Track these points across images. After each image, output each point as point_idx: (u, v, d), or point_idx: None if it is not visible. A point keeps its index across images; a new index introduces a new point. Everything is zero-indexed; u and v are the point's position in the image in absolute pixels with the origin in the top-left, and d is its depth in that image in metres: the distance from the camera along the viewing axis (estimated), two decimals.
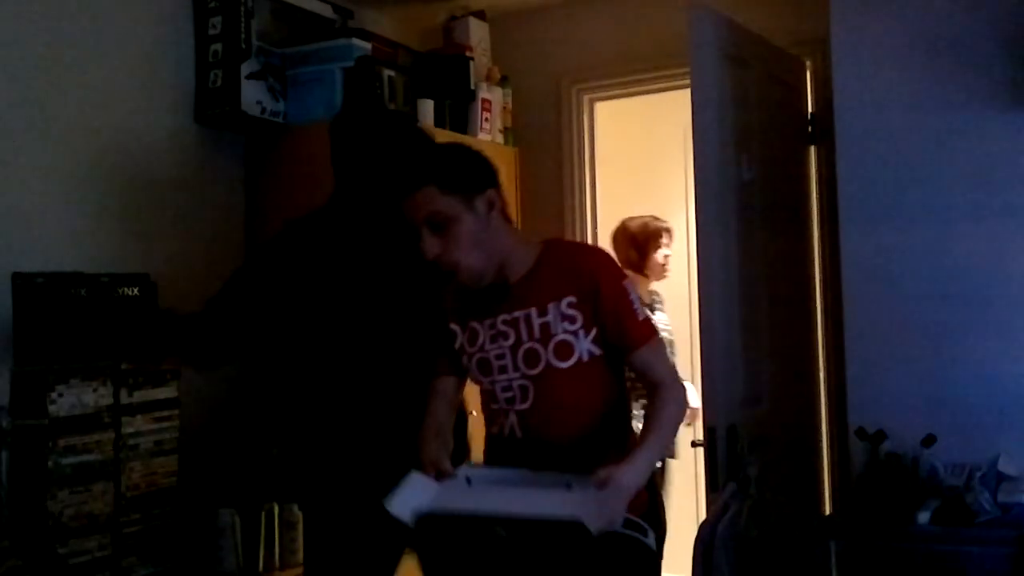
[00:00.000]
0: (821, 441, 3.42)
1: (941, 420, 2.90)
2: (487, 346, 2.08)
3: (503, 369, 2.07)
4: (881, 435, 2.92)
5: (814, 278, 3.48)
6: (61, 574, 2.52)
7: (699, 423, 3.03)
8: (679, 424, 2.09)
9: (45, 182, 2.94)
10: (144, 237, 3.18)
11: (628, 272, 2.95)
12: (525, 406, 2.05)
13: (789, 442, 3.22)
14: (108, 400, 2.74)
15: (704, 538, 2.68)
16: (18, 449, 2.64)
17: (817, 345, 3.45)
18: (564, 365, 2.01)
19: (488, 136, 3.77)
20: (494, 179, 2.05)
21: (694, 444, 3.07)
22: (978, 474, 2.80)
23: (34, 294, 2.75)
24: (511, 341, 2.05)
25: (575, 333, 2.00)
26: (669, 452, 3.55)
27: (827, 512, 3.40)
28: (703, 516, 2.80)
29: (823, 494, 3.40)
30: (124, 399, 2.77)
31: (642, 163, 4.89)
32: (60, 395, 2.64)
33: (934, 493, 2.81)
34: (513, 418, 2.07)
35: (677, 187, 4.64)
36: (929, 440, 2.85)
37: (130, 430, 2.78)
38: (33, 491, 2.60)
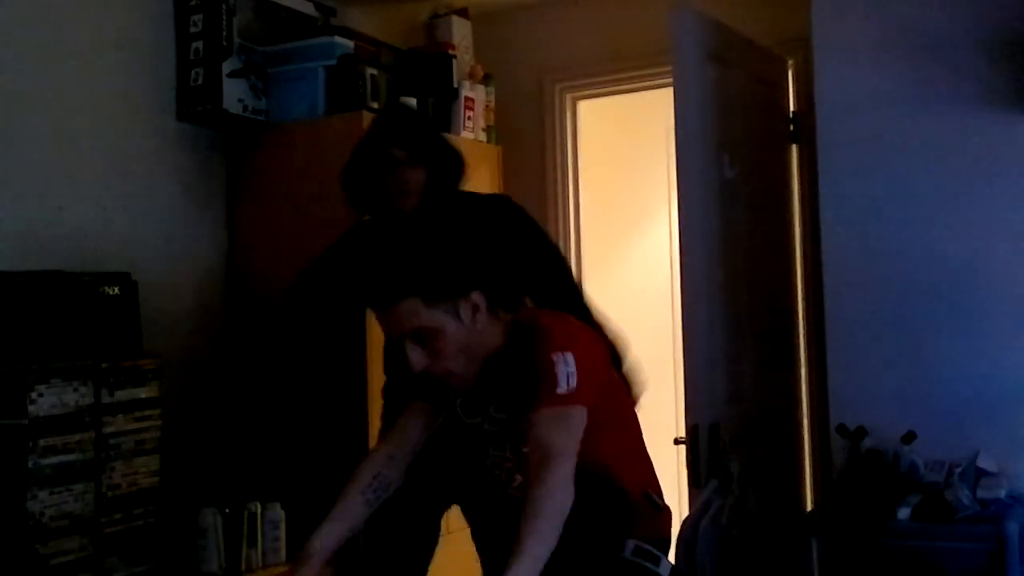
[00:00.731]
0: (803, 438, 3.44)
1: (921, 417, 2.92)
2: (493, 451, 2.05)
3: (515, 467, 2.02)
4: (862, 432, 2.94)
5: (796, 276, 3.50)
6: (42, 574, 2.51)
7: (681, 420, 3.03)
8: (564, 513, 1.76)
9: (24, 179, 2.92)
10: (126, 236, 3.17)
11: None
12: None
13: (771, 439, 3.24)
14: (89, 400, 2.72)
15: (686, 535, 2.68)
16: None
17: (799, 343, 3.47)
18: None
19: (471, 134, 3.76)
20: (478, 277, 1.91)
21: (676, 441, 3.08)
22: (957, 470, 2.82)
23: (13, 292, 2.73)
24: (506, 441, 2.01)
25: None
26: None
27: (808, 508, 3.42)
28: (685, 513, 2.80)
29: (804, 491, 3.42)
30: (105, 399, 2.76)
31: (625, 162, 4.90)
32: (40, 395, 2.62)
33: (914, 489, 2.83)
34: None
35: (660, 185, 4.65)
36: (909, 437, 2.87)
37: (111, 430, 2.76)
38: (13, 491, 2.59)
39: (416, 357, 1.87)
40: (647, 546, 1.95)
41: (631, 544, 1.94)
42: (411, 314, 1.85)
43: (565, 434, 1.80)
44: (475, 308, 1.88)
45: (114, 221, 3.15)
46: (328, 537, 2.01)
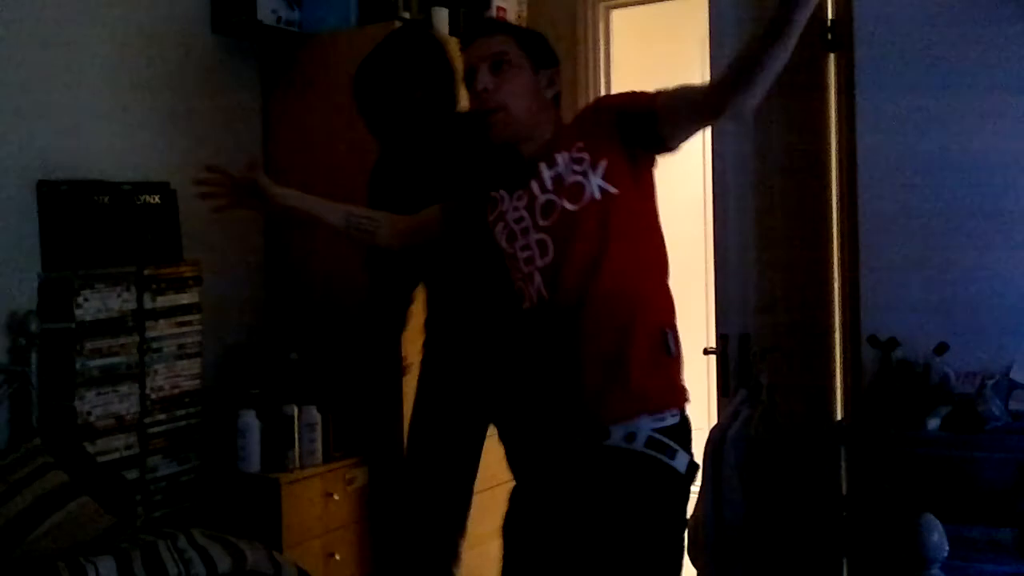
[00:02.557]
0: (834, 348, 3.44)
1: (955, 329, 2.91)
2: (508, 213, 2.03)
3: (524, 231, 1.98)
4: (893, 342, 2.94)
5: (830, 187, 3.46)
6: (90, 470, 2.62)
7: (711, 331, 3.05)
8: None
9: (66, 93, 2.96)
10: (164, 146, 3.21)
11: None
12: (547, 260, 1.95)
13: (801, 349, 3.25)
14: (132, 305, 2.81)
15: (714, 443, 2.72)
16: (46, 352, 2.72)
17: (832, 252, 3.45)
18: (575, 207, 1.92)
19: None
20: (558, 65, 2.11)
21: (706, 351, 3.10)
22: (990, 382, 2.81)
23: (59, 201, 2.80)
24: (525, 201, 1.99)
25: (583, 173, 1.92)
26: None
27: (838, 419, 3.44)
28: (714, 422, 2.84)
29: (834, 401, 3.44)
30: (148, 304, 2.84)
31: (659, 72, 4.80)
32: (86, 300, 2.71)
33: (945, 400, 2.82)
34: (538, 279, 1.96)
35: None
36: (941, 348, 2.86)
37: (154, 334, 2.85)
38: (62, 392, 2.69)
39: (485, 78, 1.99)
40: (658, 435, 1.86)
41: (644, 431, 1.85)
42: (503, 44, 2.02)
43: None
44: (551, 80, 2.06)
45: (151, 132, 3.19)
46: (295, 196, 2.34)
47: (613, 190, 1.92)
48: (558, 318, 1.94)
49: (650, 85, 4.92)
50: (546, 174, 1.97)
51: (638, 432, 1.87)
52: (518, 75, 2.00)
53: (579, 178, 1.93)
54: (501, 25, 2.13)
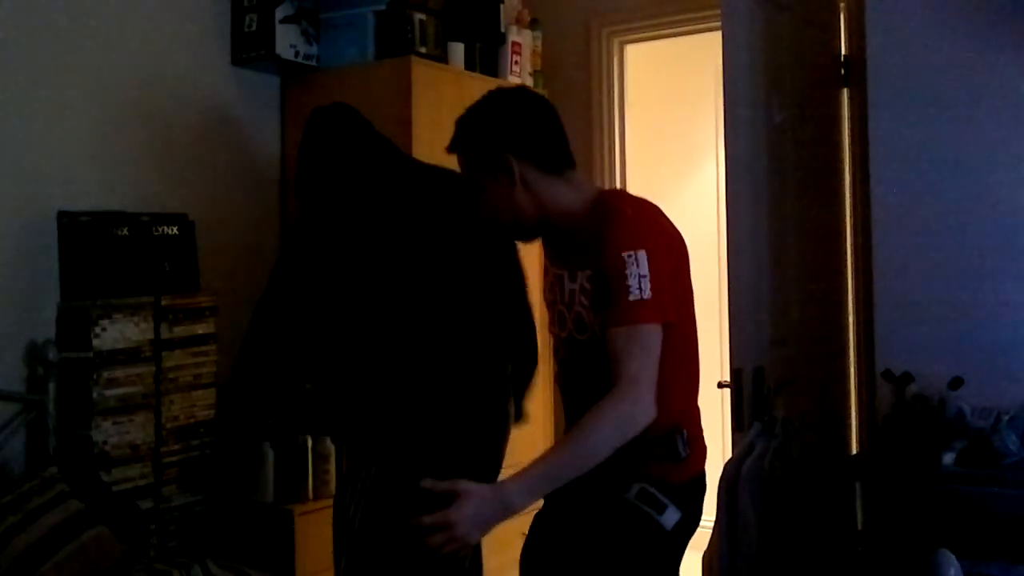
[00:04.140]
0: (849, 383, 3.44)
1: (970, 364, 2.90)
2: (548, 293, 2.08)
3: (552, 320, 2.05)
4: (908, 377, 2.93)
5: (844, 221, 3.47)
6: (105, 500, 2.62)
7: (726, 364, 3.05)
8: (608, 449, 1.75)
9: (88, 125, 3.01)
10: (182, 177, 3.25)
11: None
12: (563, 358, 2.03)
13: (816, 384, 3.24)
14: (149, 335, 2.82)
15: (729, 478, 2.71)
16: (64, 381, 2.74)
17: (846, 287, 3.45)
18: (581, 338, 1.93)
19: (518, 79, 3.78)
20: (509, 143, 1.93)
21: (720, 385, 3.10)
22: (1005, 417, 2.79)
23: (79, 232, 2.83)
24: (556, 296, 2.01)
25: (587, 308, 1.90)
26: None
27: (853, 453, 3.43)
28: (728, 455, 2.83)
29: (849, 436, 3.43)
30: (164, 334, 2.86)
31: (673, 106, 4.87)
32: (104, 329, 2.73)
33: (960, 435, 2.81)
34: (557, 366, 2.08)
35: (708, 130, 4.62)
36: (956, 383, 2.85)
37: (170, 364, 2.87)
38: (78, 421, 2.71)
39: (479, 202, 2.01)
40: (653, 490, 1.87)
41: (636, 487, 1.85)
42: (463, 167, 2.02)
43: (631, 356, 1.77)
44: (508, 171, 1.92)
45: (170, 164, 3.23)
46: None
47: None
48: (565, 402, 2.06)
49: (664, 118, 4.97)
50: (567, 286, 1.96)
51: (631, 485, 1.89)
52: (484, 193, 1.97)
53: (583, 311, 1.91)
54: (453, 143, 2.00)
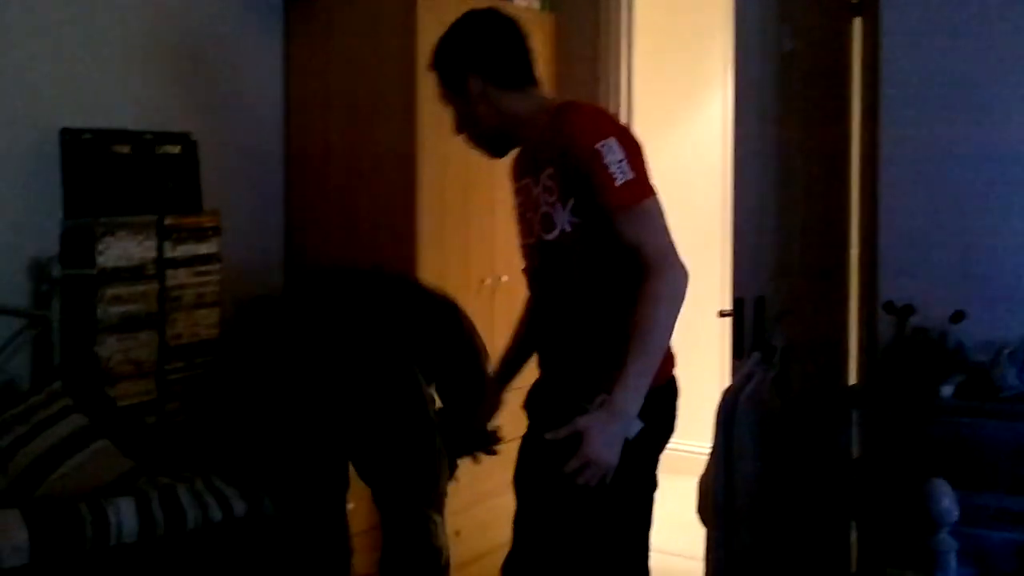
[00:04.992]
0: (849, 314, 3.44)
1: (972, 298, 2.89)
2: (517, 208, 2.17)
3: (521, 231, 2.15)
4: (909, 309, 2.93)
5: (851, 152, 3.44)
6: (111, 414, 2.66)
7: (727, 293, 3.06)
8: (672, 323, 1.87)
9: (91, 43, 2.97)
10: (186, 97, 3.22)
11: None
12: (533, 266, 2.12)
13: (817, 314, 3.25)
14: (152, 253, 2.83)
15: (727, 406, 2.74)
16: (68, 298, 2.75)
17: (850, 218, 3.44)
18: (549, 237, 2.01)
19: (524, 2, 3.71)
20: (470, 61, 2.07)
21: (721, 314, 3.11)
22: (1006, 351, 2.79)
23: (81, 149, 2.82)
24: (524, 205, 2.12)
25: (553, 205, 1.98)
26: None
27: (851, 383, 3.45)
28: (726, 384, 2.85)
29: (848, 366, 3.44)
30: (168, 252, 2.86)
31: (682, 32, 4.81)
32: (107, 247, 2.73)
33: (960, 368, 2.81)
34: (528, 277, 2.17)
35: (716, 58, 4.57)
36: (957, 316, 2.85)
37: (173, 282, 2.88)
38: (83, 337, 2.73)
39: (452, 120, 2.15)
40: None
41: (600, 398, 1.88)
42: (438, 85, 2.15)
43: (649, 232, 1.89)
44: (471, 87, 2.07)
45: (174, 83, 3.20)
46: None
47: (579, 221, 1.96)
48: (538, 313, 2.21)
49: (673, 44, 4.90)
50: (532, 190, 2.05)
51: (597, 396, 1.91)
52: (454, 110, 2.13)
53: (549, 209, 2.00)
54: (430, 63, 2.17)
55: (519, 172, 2.14)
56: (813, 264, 3.19)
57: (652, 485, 2.05)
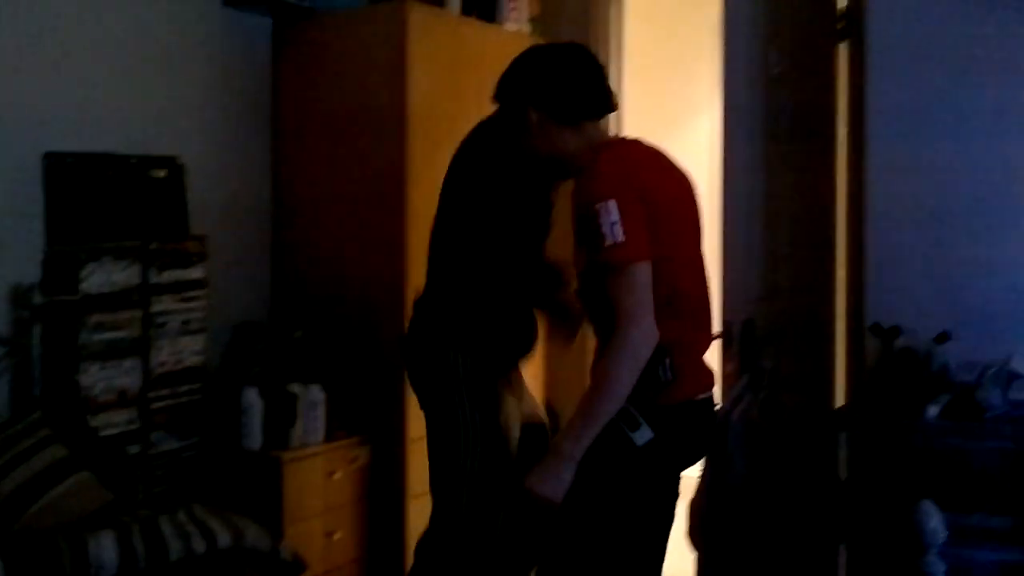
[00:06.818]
0: (836, 336, 3.45)
1: (957, 320, 2.92)
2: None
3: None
4: (895, 331, 2.94)
5: (837, 176, 3.46)
6: (92, 445, 2.62)
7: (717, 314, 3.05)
8: (627, 378, 1.96)
9: (76, 65, 2.95)
10: (172, 120, 3.20)
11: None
12: (577, 289, 2.21)
13: (804, 337, 3.25)
14: (137, 279, 2.80)
15: (716, 428, 2.73)
16: (50, 325, 2.72)
17: (837, 242, 3.45)
18: (580, 271, 2.12)
19: (515, 26, 3.71)
20: (529, 95, 2.16)
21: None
22: (990, 371, 2.81)
23: (65, 173, 2.79)
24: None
25: (577, 246, 2.08)
26: None
27: (839, 406, 3.45)
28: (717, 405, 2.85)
29: (836, 388, 3.45)
30: (152, 279, 2.84)
31: (671, 56, 4.83)
32: (91, 273, 2.71)
33: (945, 389, 2.83)
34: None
35: (705, 81, 4.58)
36: (942, 337, 2.87)
37: (158, 309, 2.85)
38: (65, 365, 2.69)
39: None
40: (632, 409, 1.99)
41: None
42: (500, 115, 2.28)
43: (622, 295, 1.97)
44: (529, 120, 2.15)
45: (160, 106, 3.18)
46: None
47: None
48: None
49: (662, 67, 4.89)
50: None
51: None
52: (519, 136, 2.20)
53: (578, 248, 2.09)
54: (493, 95, 2.27)
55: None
56: (801, 288, 3.20)
57: (672, 495, 2.14)
